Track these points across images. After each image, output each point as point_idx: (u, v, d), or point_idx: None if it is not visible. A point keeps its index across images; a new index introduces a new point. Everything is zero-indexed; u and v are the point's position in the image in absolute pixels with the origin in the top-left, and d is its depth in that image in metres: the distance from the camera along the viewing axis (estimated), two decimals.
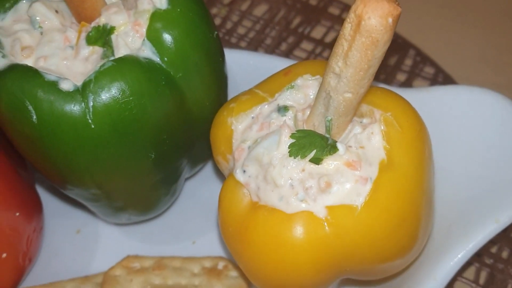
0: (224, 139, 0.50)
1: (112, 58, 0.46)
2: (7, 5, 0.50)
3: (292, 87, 0.49)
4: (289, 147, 0.45)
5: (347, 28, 0.39)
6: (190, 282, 0.57)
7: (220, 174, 0.65)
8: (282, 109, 0.48)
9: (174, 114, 0.48)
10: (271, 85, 0.50)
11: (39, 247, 0.58)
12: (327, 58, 0.44)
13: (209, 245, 0.62)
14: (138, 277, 0.56)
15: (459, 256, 0.50)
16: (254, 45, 0.81)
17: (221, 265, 0.59)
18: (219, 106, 0.52)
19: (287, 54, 0.80)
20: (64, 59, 0.48)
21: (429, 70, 0.78)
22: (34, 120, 0.44)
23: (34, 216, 0.55)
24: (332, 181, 0.44)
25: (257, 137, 0.48)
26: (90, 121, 0.44)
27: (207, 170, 0.67)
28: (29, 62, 0.47)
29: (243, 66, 0.62)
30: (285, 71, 0.50)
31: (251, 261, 0.47)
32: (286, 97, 0.49)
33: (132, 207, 0.56)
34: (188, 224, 0.64)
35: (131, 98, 0.45)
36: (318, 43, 0.81)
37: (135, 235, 0.64)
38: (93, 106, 0.44)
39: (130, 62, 0.45)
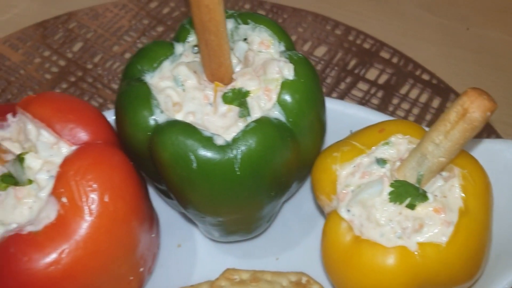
0: (329, 182, 0.62)
1: (249, 117, 0.58)
2: (155, 65, 0.61)
3: (387, 143, 0.61)
4: (389, 194, 0.57)
5: (453, 115, 0.51)
6: None
7: (299, 201, 0.77)
8: (381, 162, 0.60)
9: (292, 161, 0.60)
10: (367, 139, 0.63)
11: (156, 261, 0.69)
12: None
13: (289, 261, 0.74)
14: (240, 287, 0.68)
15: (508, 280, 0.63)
16: None
17: (304, 279, 0.71)
18: (319, 149, 0.65)
19: (345, 93, 0.92)
20: (206, 114, 0.59)
21: None
22: (194, 167, 0.55)
23: (158, 235, 0.66)
24: (423, 223, 0.56)
25: (359, 183, 0.60)
26: (236, 169, 0.56)
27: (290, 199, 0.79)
28: (179, 116, 0.58)
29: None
30: (379, 129, 0.63)
31: (353, 283, 0.59)
32: (382, 151, 0.61)
33: (238, 231, 0.68)
34: (271, 242, 0.76)
35: (267, 151, 0.56)
36: (373, 84, 0.93)
37: (227, 250, 0.75)
38: (240, 157, 0.55)
39: (266, 123, 0.57)
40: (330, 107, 0.70)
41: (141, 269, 0.61)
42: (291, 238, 0.76)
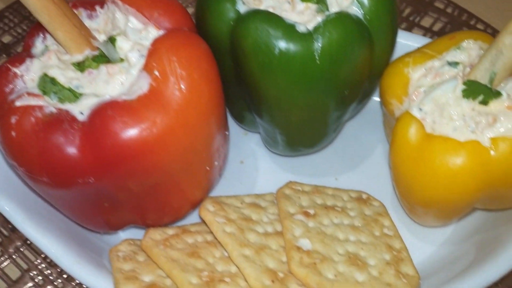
0: (401, 85, 0.63)
1: (328, 11, 0.60)
2: None
3: (459, 48, 0.63)
4: (462, 91, 0.59)
5: None
6: (344, 206, 0.70)
7: (360, 124, 0.79)
8: (453, 64, 0.62)
9: (367, 60, 0.62)
10: (438, 46, 0.64)
11: (225, 166, 0.71)
12: None
13: (349, 182, 0.76)
14: (303, 196, 0.69)
15: None
16: None
17: (364, 196, 0.72)
18: (388, 62, 0.66)
19: None
20: (284, 10, 0.61)
21: None
22: (276, 53, 0.57)
23: (228, 139, 0.68)
24: (497, 119, 0.58)
25: (431, 84, 0.62)
26: (317, 57, 0.58)
27: (354, 121, 0.80)
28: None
29: None
30: (450, 37, 0.64)
31: (424, 179, 0.60)
32: (453, 55, 0.63)
33: (303, 139, 0.70)
34: (331, 163, 0.77)
35: (347, 43, 0.58)
36: (427, 31, 0.95)
37: (287, 168, 0.77)
38: (321, 46, 0.57)
39: (346, 16, 0.59)
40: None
41: (216, 163, 0.63)
42: (351, 160, 0.78)
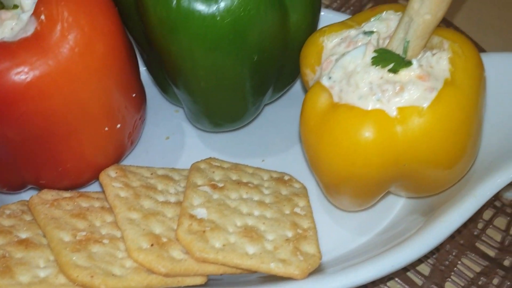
0: (315, 54, 0.60)
1: None
2: None
3: (378, 18, 0.60)
4: (372, 58, 0.55)
5: None
6: (260, 184, 0.67)
7: (292, 106, 0.76)
8: (368, 33, 0.58)
9: (277, 27, 0.59)
10: (360, 17, 0.61)
11: (139, 135, 0.69)
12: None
13: (275, 164, 0.72)
14: (219, 171, 0.66)
15: (498, 181, 0.59)
16: None
17: (286, 177, 0.69)
18: (310, 33, 0.63)
19: None
20: None
21: None
22: (173, 5, 0.55)
23: (142, 105, 0.66)
24: (405, 87, 0.54)
25: (343, 52, 0.58)
26: (217, 16, 0.55)
27: (282, 103, 0.77)
28: None
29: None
30: (372, 8, 0.61)
31: (328, 152, 0.56)
32: (371, 25, 0.59)
33: (223, 112, 0.67)
34: (260, 144, 0.74)
35: (251, 4, 0.56)
36: None
37: (214, 146, 0.74)
38: (222, 4, 0.55)
39: None
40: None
41: (118, 125, 0.61)
42: (279, 141, 0.75)
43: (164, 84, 0.70)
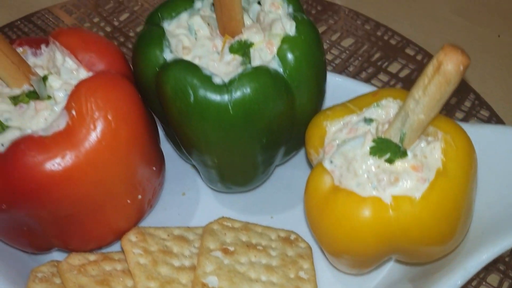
0: (318, 137, 0.66)
1: (249, 65, 0.63)
2: (173, 14, 0.68)
3: (378, 105, 0.65)
4: (370, 148, 0.61)
5: (430, 69, 0.54)
6: (268, 244, 0.72)
7: (300, 167, 0.81)
8: (368, 120, 0.64)
9: (285, 112, 0.65)
10: (361, 102, 0.66)
11: (158, 198, 0.75)
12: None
13: (283, 221, 0.78)
14: (230, 232, 0.72)
15: (487, 254, 0.64)
16: (339, 70, 0.97)
17: (292, 236, 0.74)
18: (316, 112, 0.69)
19: (365, 81, 0.96)
20: (212, 60, 0.65)
21: (484, 113, 0.92)
22: (191, 100, 0.61)
23: (161, 173, 0.72)
24: (399, 178, 0.59)
25: (345, 138, 0.64)
26: (230, 108, 0.61)
27: (292, 163, 0.83)
28: (188, 58, 0.65)
29: (331, 84, 0.77)
30: (374, 93, 0.66)
31: (328, 229, 0.62)
32: (372, 112, 0.64)
33: (234, 178, 0.73)
34: (269, 202, 0.80)
35: (260, 96, 0.61)
36: (393, 76, 0.96)
37: (227, 203, 0.80)
38: (234, 97, 0.61)
39: (263, 70, 0.62)
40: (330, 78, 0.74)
41: (139, 197, 0.67)
42: (288, 200, 0.80)
43: (180, 149, 0.76)
